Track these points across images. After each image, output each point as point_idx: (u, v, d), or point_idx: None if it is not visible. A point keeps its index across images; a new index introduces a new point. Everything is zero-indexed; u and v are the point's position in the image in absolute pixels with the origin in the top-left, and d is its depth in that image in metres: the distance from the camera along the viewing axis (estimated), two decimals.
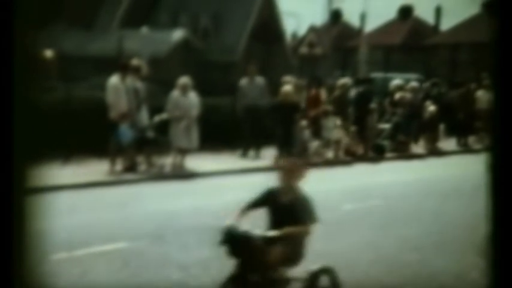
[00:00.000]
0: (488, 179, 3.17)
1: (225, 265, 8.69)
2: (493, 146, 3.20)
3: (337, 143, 19.13)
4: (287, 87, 18.35)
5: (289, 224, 6.35)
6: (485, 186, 3.24)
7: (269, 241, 6.27)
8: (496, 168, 3.14)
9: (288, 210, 6.47)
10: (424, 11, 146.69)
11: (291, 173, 6.66)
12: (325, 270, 6.99)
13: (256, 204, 6.73)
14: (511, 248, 3.15)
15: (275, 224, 6.51)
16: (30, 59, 2.93)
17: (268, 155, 18.33)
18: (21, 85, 2.87)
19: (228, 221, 6.54)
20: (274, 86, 19.49)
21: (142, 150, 15.55)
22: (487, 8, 60.54)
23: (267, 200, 6.69)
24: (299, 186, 6.68)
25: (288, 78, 19.63)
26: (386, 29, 75.74)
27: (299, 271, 6.67)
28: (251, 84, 18.72)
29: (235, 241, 6.36)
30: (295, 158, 7.75)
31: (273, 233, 6.35)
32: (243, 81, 18.86)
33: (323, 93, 20.24)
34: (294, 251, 6.53)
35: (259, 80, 18.99)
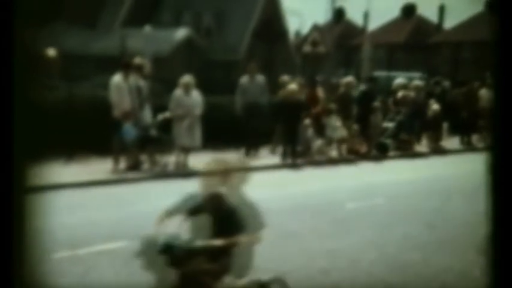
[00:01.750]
0: (489, 178, 3.16)
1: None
2: (493, 146, 3.20)
3: (341, 141, 19.13)
4: (292, 86, 18.35)
5: (234, 232, 5.90)
6: (485, 186, 3.24)
7: (194, 253, 5.84)
8: (496, 168, 3.14)
9: (231, 217, 5.99)
10: (427, 9, 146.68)
11: (233, 176, 6.16)
12: (276, 281, 6.64)
13: (177, 212, 6.21)
14: (511, 247, 3.15)
15: (218, 231, 5.99)
16: (31, 58, 2.93)
17: (263, 153, 18.36)
18: (22, 84, 2.86)
19: (155, 228, 5.99)
20: (277, 84, 19.52)
21: (146, 149, 15.55)
22: (490, 6, 60.49)
23: (190, 207, 6.17)
24: (242, 191, 6.19)
25: (285, 77, 19.61)
26: (389, 27, 75.76)
27: (249, 281, 6.28)
28: (251, 83, 18.71)
29: (175, 251, 5.85)
30: (235, 159, 7.03)
31: (199, 244, 5.90)
32: (244, 79, 18.85)
33: (320, 92, 20.27)
34: (220, 264, 6.03)
35: (260, 78, 18.98)
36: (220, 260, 5.98)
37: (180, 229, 6.10)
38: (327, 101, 20.06)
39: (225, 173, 6.16)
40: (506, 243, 3.15)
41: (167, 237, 5.89)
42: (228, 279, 6.12)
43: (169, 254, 5.80)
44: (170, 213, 6.16)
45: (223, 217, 5.96)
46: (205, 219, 6.03)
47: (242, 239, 5.92)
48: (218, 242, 5.84)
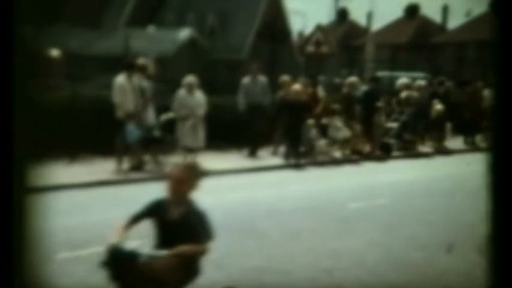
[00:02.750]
0: (489, 178, 3.16)
1: (234, 263, 8.72)
2: (493, 146, 3.20)
3: (344, 141, 19.12)
4: (296, 86, 18.36)
5: (181, 241, 5.62)
6: (486, 186, 3.24)
7: (159, 261, 5.57)
8: (496, 168, 3.14)
9: (179, 225, 5.75)
10: (430, 9, 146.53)
11: (181, 182, 5.87)
12: None
13: (142, 218, 6.00)
14: (511, 247, 3.15)
15: (165, 241, 5.77)
16: (31, 57, 2.93)
17: (265, 154, 18.37)
18: (22, 84, 2.86)
19: (111, 238, 5.73)
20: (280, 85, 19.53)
21: (149, 149, 15.56)
22: (494, 6, 60.34)
23: (155, 213, 5.93)
24: (193, 197, 5.99)
25: (285, 77, 19.61)
26: (393, 27, 75.72)
27: None
28: (254, 83, 18.69)
29: (119, 261, 5.60)
30: (188, 165, 6.58)
31: (162, 252, 5.64)
32: (246, 80, 18.83)
33: (320, 92, 20.28)
34: (187, 270, 5.81)
35: (262, 79, 18.97)
36: (187, 266, 5.79)
37: (145, 235, 5.98)
38: (327, 100, 20.08)
39: (194, 177, 5.94)
40: (506, 244, 3.15)
41: (132, 244, 5.72)
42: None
43: (134, 262, 5.57)
44: (136, 219, 5.97)
45: (190, 223, 5.74)
46: (171, 225, 5.80)
47: (189, 249, 5.64)
48: (183, 248, 5.61)
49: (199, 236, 5.69)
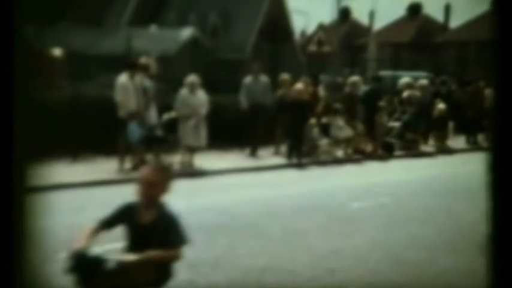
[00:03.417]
0: (489, 178, 3.16)
1: (236, 263, 8.71)
2: (493, 146, 3.20)
3: (347, 141, 19.12)
4: (298, 85, 18.36)
5: (153, 246, 5.40)
6: (486, 186, 3.24)
7: (126, 267, 5.31)
8: (496, 168, 3.14)
9: (150, 230, 5.50)
10: (433, 8, 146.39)
11: (152, 185, 5.58)
12: None
13: (111, 222, 5.68)
14: (511, 247, 3.14)
15: (135, 246, 5.52)
16: (31, 57, 2.93)
17: (267, 153, 18.36)
18: (22, 84, 2.86)
19: (77, 243, 5.45)
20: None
21: (151, 149, 15.56)
22: (494, 6, 60.29)
23: (125, 217, 5.65)
24: (164, 201, 5.70)
25: (285, 75, 19.60)
26: (395, 27, 75.72)
27: None
28: (255, 83, 18.68)
29: (85, 268, 5.33)
30: (159, 167, 6.30)
31: (131, 257, 5.38)
32: (247, 80, 18.81)
33: (321, 91, 20.30)
34: (158, 275, 5.55)
35: (264, 78, 18.96)
36: (159, 271, 5.53)
37: (113, 240, 5.76)
38: (327, 99, 20.10)
39: (165, 180, 5.65)
40: (506, 243, 3.15)
41: (99, 250, 5.53)
42: None
43: (101, 268, 5.31)
44: (105, 223, 5.67)
45: (161, 227, 5.50)
46: (142, 230, 5.55)
47: (160, 254, 5.42)
48: (154, 253, 5.39)
49: (171, 240, 5.46)
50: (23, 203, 2.95)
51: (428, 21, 76.97)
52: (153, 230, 5.47)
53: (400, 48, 70.92)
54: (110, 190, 13.42)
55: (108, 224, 5.65)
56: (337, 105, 19.46)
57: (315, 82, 20.63)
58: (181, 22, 42.66)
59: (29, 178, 2.97)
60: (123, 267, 5.29)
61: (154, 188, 5.57)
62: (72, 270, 5.33)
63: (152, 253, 5.36)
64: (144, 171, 5.80)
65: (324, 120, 19.05)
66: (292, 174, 16.54)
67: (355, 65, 58.65)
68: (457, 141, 23.29)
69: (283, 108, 18.21)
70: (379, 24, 73.47)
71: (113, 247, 5.71)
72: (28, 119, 2.91)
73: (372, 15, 58.64)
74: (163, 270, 5.55)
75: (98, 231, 5.60)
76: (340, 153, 19.06)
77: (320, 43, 35.37)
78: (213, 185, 14.48)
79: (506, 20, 3.07)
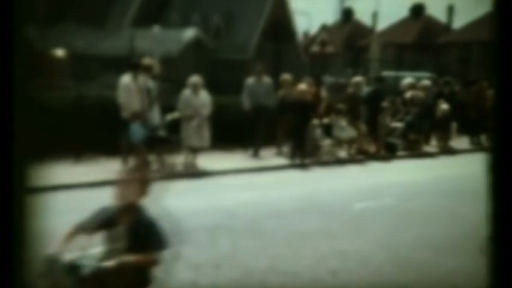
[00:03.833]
0: (489, 179, 3.15)
1: (238, 264, 8.70)
2: (494, 146, 3.19)
3: (350, 141, 19.10)
4: (302, 86, 18.35)
5: (130, 251, 5.27)
6: (486, 186, 3.23)
7: (103, 272, 5.18)
8: (497, 168, 3.13)
9: (127, 234, 5.35)
10: (436, 9, 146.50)
11: (129, 188, 5.44)
12: None
13: (89, 227, 5.49)
14: (511, 248, 3.13)
15: (113, 250, 5.37)
16: (33, 57, 2.92)
17: (269, 154, 18.35)
18: (22, 84, 2.85)
19: (52, 248, 5.25)
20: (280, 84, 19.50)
21: (154, 149, 15.54)
22: (495, 7, 60.26)
23: (102, 221, 5.48)
24: (143, 204, 5.55)
25: (286, 76, 19.58)
26: (398, 27, 75.69)
27: None
28: (258, 84, 18.65)
29: (57, 274, 5.15)
30: (135, 170, 6.08)
31: (107, 263, 5.23)
32: (250, 81, 18.79)
33: (323, 92, 20.30)
34: (135, 281, 5.39)
35: (266, 80, 18.93)
36: (135, 278, 5.37)
37: (90, 245, 5.56)
38: (329, 100, 20.09)
39: (142, 183, 5.49)
40: (507, 244, 3.14)
41: (74, 255, 5.32)
42: None
43: (76, 274, 5.16)
44: (80, 228, 5.50)
45: (139, 231, 5.34)
46: (119, 233, 5.39)
47: (159, 255, 5.34)
48: (132, 258, 5.25)
49: (148, 245, 5.30)
50: (23, 203, 2.94)
51: (431, 22, 76.94)
52: (131, 235, 5.32)
53: (403, 49, 70.95)
54: (113, 190, 13.42)
55: (85, 228, 5.48)
56: (340, 106, 19.44)
57: (318, 83, 20.61)
58: (184, 23, 42.68)
59: (29, 178, 2.96)
60: (98, 273, 5.17)
61: (129, 190, 5.42)
62: (44, 276, 5.09)
63: (129, 258, 5.24)
64: (120, 174, 5.68)
65: (326, 120, 19.03)
66: (295, 174, 16.52)
67: (358, 65, 58.68)
68: (460, 142, 23.26)
69: (285, 109, 18.19)
70: (382, 24, 73.63)
71: (90, 252, 5.51)
72: (28, 119, 2.90)
73: (374, 15, 58.61)
74: (141, 275, 5.40)
75: (73, 236, 5.44)
76: (343, 153, 19.03)
77: (323, 44, 35.28)
78: (216, 186, 14.48)
79: (507, 21, 3.06)
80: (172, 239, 5.48)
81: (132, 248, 5.28)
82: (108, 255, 5.34)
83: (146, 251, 5.29)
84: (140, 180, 5.52)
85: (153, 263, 5.37)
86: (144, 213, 5.44)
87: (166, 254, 5.39)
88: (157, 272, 5.48)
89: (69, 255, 5.25)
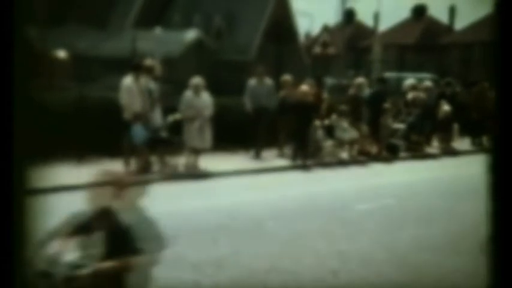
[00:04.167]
0: (490, 179, 3.16)
1: (240, 264, 8.71)
2: (494, 147, 3.20)
3: (351, 142, 19.10)
4: (304, 87, 18.35)
5: (107, 257, 5.11)
6: (486, 187, 3.24)
7: (75, 281, 5.01)
8: (497, 169, 3.14)
9: (104, 240, 5.18)
10: (437, 10, 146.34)
11: (103, 193, 5.28)
12: None
13: (85, 228, 5.28)
14: (511, 248, 3.14)
15: (108, 253, 5.18)
16: (32, 57, 2.93)
17: (271, 155, 18.35)
18: (22, 84, 2.86)
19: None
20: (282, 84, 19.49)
21: (156, 150, 15.56)
22: (496, 7, 60.25)
23: (77, 227, 5.29)
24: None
25: (287, 77, 19.57)
26: (400, 28, 75.64)
27: None
28: (260, 86, 18.64)
29: (55, 278, 5.03)
30: (109, 174, 5.64)
31: (84, 270, 5.05)
32: (252, 82, 18.78)
33: (324, 93, 20.32)
34: (132, 285, 5.28)
35: (268, 81, 18.92)
36: (110, 284, 5.19)
37: (64, 251, 5.26)
38: (330, 101, 20.09)
39: (117, 186, 5.28)
40: (507, 244, 3.14)
41: (47, 261, 5.09)
42: None
43: (49, 281, 5.00)
44: (53, 233, 5.26)
45: (115, 236, 5.17)
46: (94, 239, 5.21)
47: (135, 260, 5.13)
48: (107, 265, 5.08)
49: (125, 251, 5.12)
50: (23, 203, 2.95)
51: (433, 23, 76.88)
52: (107, 240, 5.18)
53: (405, 50, 70.93)
54: None
55: (58, 234, 5.28)
56: (342, 107, 19.43)
57: (319, 84, 20.62)
58: (186, 24, 42.68)
59: (29, 179, 2.97)
60: (71, 281, 5.02)
61: (103, 194, 5.27)
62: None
63: (105, 265, 5.08)
64: (94, 178, 5.45)
65: (326, 122, 19.03)
66: (297, 176, 16.53)
67: (360, 66, 58.69)
68: (462, 143, 23.25)
69: (285, 110, 18.19)
70: (383, 25, 73.44)
71: (64, 259, 5.22)
72: (28, 119, 2.91)
73: (376, 16, 58.51)
74: (117, 282, 5.23)
75: (43, 243, 5.15)
76: (344, 155, 19.03)
77: (325, 45, 35.29)
78: (218, 187, 14.49)
79: (507, 22, 3.07)
80: (151, 244, 5.28)
81: (108, 255, 5.10)
82: (83, 262, 5.14)
83: (123, 257, 5.12)
84: (115, 184, 5.30)
85: (130, 269, 5.18)
86: (119, 217, 5.24)
87: (143, 260, 5.20)
88: (135, 277, 5.28)
89: (42, 263, 5.05)
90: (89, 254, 5.15)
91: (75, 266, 5.10)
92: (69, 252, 5.17)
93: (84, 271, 5.02)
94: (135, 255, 5.14)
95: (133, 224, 5.23)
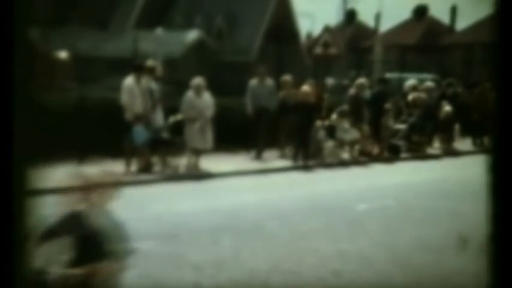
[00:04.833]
0: (490, 179, 3.16)
1: (241, 265, 8.72)
2: (494, 147, 3.20)
3: (353, 143, 19.10)
4: (305, 88, 18.36)
5: (77, 263, 4.98)
6: (486, 187, 3.24)
7: (67, 281, 4.92)
8: (497, 169, 3.14)
9: (91, 241, 5.05)
10: (439, 10, 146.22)
11: (73, 195, 5.13)
12: None
13: (54, 233, 5.04)
14: (511, 248, 3.14)
15: (78, 258, 5.03)
16: (32, 57, 2.93)
17: (272, 156, 18.35)
18: (22, 84, 2.86)
19: None
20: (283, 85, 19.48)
21: (157, 151, 15.57)
22: (496, 7, 60.27)
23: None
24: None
25: (287, 77, 19.58)
26: (401, 29, 75.63)
27: None
28: (261, 86, 18.64)
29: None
30: (78, 176, 5.47)
31: (73, 271, 4.96)
32: (253, 83, 18.78)
33: (325, 93, 20.37)
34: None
35: (269, 82, 18.92)
36: (103, 285, 5.09)
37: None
38: (331, 102, 20.11)
39: (85, 189, 5.12)
40: (507, 244, 3.14)
41: (39, 263, 4.93)
42: None
43: (40, 284, 4.88)
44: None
45: (83, 240, 5.03)
46: (63, 244, 5.04)
47: (103, 266, 5.03)
48: (76, 271, 4.95)
49: (95, 256, 5.00)
50: (23, 204, 2.95)
51: (435, 24, 76.86)
52: (77, 246, 5.03)
53: (406, 50, 70.88)
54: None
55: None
56: (343, 108, 19.43)
57: (320, 84, 20.64)
58: (187, 25, 42.68)
59: (29, 179, 2.97)
60: (63, 281, 4.92)
61: (72, 197, 5.13)
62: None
63: (75, 271, 4.95)
64: (62, 181, 5.36)
65: (327, 122, 19.04)
66: (298, 176, 16.53)
67: (361, 67, 58.64)
68: (464, 144, 23.25)
69: (285, 110, 18.20)
70: (385, 26, 73.40)
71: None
72: (28, 119, 2.91)
73: (378, 17, 58.51)
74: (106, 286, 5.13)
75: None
76: (346, 155, 19.04)
77: (326, 45, 35.31)
78: (219, 188, 14.49)
79: (508, 23, 3.07)
80: (121, 249, 5.20)
81: (78, 260, 5.00)
82: (75, 262, 5.05)
83: (92, 262, 5.01)
84: (84, 187, 5.15)
85: (101, 274, 5.05)
86: (89, 221, 5.10)
87: (111, 266, 5.10)
88: (103, 283, 5.14)
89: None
90: (58, 260, 5.03)
91: (42, 272, 4.95)
92: (36, 258, 4.91)
93: (52, 276, 4.91)
94: (104, 260, 5.04)
95: (101, 227, 5.11)
